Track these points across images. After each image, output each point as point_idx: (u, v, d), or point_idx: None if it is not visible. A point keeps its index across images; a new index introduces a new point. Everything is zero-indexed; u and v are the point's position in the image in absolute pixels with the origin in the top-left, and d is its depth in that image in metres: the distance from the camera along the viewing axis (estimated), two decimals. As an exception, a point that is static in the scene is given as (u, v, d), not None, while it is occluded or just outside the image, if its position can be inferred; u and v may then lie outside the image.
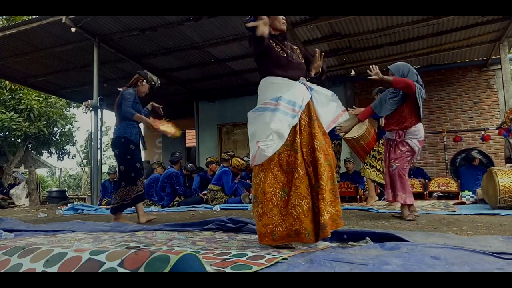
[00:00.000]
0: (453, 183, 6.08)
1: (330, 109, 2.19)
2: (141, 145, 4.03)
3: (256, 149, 1.98)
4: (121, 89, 4.10)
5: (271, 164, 2.02)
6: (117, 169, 4.04)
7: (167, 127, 3.95)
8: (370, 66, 3.44)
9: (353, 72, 8.48)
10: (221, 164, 6.88)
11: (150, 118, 3.96)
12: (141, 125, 4.13)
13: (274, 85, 2.13)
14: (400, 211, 3.77)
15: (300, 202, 1.92)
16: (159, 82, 4.20)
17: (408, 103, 3.46)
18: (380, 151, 4.81)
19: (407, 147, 3.48)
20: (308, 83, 2.19)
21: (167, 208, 6.25)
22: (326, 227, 1.86)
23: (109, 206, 6.41)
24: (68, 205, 7.28)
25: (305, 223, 1.89)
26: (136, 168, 3.89)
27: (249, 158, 7.54)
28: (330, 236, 1.90)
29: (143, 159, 13.33)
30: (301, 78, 2.20)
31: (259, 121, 2.07)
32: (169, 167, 7.05)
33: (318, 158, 1.98)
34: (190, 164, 8.23)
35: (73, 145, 14.39)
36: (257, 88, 2.23)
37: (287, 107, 2.03)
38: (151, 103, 4.27)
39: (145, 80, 4.05)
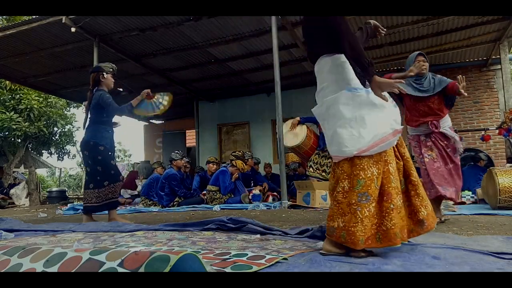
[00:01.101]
0: (453, 183, 6.06)
1: None
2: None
3: (385, 138, 1.68)
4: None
5: (381, 155, 1.72)
6: (88, 170, 3.93)
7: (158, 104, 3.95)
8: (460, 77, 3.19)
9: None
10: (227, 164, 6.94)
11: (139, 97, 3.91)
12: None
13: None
14: None
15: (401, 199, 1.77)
16: (114, 65, 4.09)
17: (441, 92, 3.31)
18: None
19: (445, 141, 3.29)
20: None
21: (167, 208, 6.26)
22: (425, 223, 1.78)
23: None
24: (68, 205, 7.29)
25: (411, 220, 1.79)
26: (113, 165, 3.89)
27: (248, 155, 7.60)
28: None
29: (143, 159, 13.27)
30: None
31: (362, 102, 1.73)
32: (169, 166, 7.09)
33: (404, 151, 1.86)
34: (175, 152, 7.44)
35: (73, 145, 14.37)
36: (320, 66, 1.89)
37: None
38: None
39: (103, 73, 3.94)
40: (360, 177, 1.68)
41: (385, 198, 1.69)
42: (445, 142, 3.29)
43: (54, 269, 1.22)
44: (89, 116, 3.94)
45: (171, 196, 6.60)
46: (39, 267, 1.24)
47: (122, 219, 3.90)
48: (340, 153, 1.74)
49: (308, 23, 2.01)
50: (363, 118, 1.70)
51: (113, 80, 4.03)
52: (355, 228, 1.65)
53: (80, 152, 4.19)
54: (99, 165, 3.82)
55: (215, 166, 7.26)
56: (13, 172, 11.45)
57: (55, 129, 11.85)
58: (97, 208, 3.85)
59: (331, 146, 1.82)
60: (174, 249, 2.04)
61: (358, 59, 1.71)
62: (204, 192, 6.81)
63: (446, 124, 3.32)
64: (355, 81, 1.76)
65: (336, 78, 1.81)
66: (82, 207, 3.98)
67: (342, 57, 1.79)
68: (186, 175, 7.78)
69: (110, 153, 3.88)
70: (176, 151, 7.23)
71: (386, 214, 1.67)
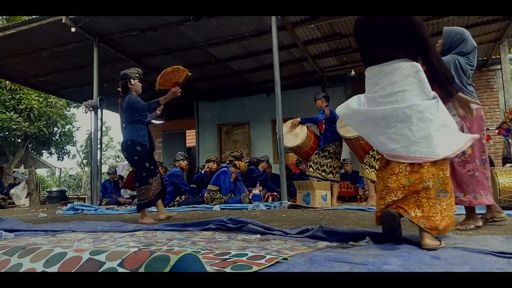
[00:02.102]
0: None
1: None
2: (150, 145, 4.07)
3: (463, 146, 1.96)
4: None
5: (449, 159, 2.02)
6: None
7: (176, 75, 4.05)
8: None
9: (353, 72, 8.49)
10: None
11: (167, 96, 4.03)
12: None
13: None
14: None
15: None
16: (140, 70, 4.18)
17: None
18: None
19: None
20: None
21: (167, 208, 6.26)
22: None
23: (109, 206, 6.49)
24: (68, 205, 7.28)
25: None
26: (146, 167, 3.95)
27: (265, 158, 7.54)
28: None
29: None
30: None
31: (445, 112, 1.98)
32: (170, 166, 7.13)
33: None
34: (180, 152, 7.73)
35: (73, 145, 14.41)
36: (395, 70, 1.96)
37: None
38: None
39: (130, 79, 4.01)
40: (440, 176, 1.92)
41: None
42: None
43: (54, 269, 1.22)
44: (123, 120, 4.06)
45: (172, 195, 6.62)
46: (39, 267, 1.24)
47: (149, 219, 3.93)
48: (431, 155, 1.89)
49: (390, 23, 2.00)
50: (450, 126, 1.95)
51: (141, 85, 4.14)
52: (435, 218, 1.87)
53: (122, 155, 4.33)
54: (133, 166, 3.97)
55: (215, 165, 7.27)
56: (13, 172, 11.45)
57: (55, 129, 11.87)
58: (148, 203, 3.94)
59: (416, 146, 1.91)
60: (174, 249, 2.04)
61: (446, 74, 2.00)
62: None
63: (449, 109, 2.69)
64: (433, 92, 1.97)
65: (420, 86, 1.96)
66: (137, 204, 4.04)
67: (420, 66, 1.97)
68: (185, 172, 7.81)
69: (146, 154, 3.96)
70: (179, 152, 7.35)
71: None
